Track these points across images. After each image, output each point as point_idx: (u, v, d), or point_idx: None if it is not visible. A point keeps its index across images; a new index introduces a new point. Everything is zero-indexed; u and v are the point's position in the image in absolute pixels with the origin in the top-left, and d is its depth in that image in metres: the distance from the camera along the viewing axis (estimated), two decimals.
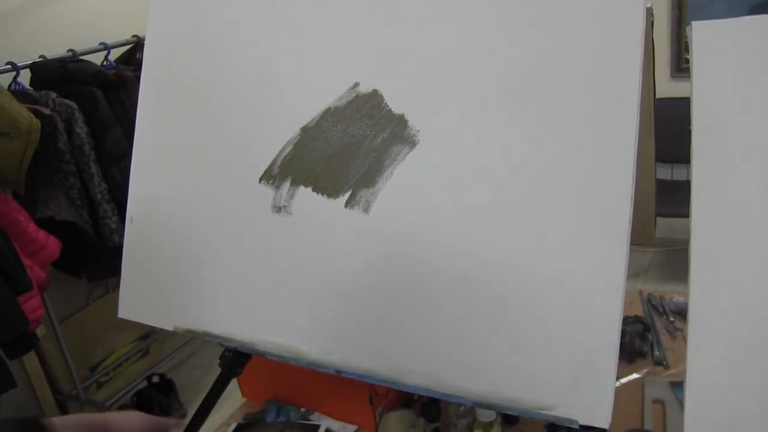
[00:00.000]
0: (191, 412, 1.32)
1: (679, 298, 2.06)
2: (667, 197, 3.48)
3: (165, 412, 3.12)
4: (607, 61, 0.96)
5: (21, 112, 2.39)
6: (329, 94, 1.18)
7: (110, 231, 2.79)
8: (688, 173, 3.09)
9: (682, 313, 2.00)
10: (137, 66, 2.66)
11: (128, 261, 1.41)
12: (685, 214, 3.08)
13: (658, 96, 3.17)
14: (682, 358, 1.72)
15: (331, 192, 1.17)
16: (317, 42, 1.20)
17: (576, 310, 0.99)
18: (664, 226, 3.84)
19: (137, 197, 1.39)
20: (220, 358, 1.31)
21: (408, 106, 1.12)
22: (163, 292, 1.36)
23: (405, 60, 1.13)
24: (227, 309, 1.28)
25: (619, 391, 0.96)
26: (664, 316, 2.02)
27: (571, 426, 0.98)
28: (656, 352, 1.83)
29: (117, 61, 3.10)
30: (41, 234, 2.55)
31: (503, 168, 1.04)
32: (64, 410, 3.13)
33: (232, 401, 1.88)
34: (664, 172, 4.15)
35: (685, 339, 1.82)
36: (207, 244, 1.30)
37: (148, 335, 3.50)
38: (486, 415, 1.45)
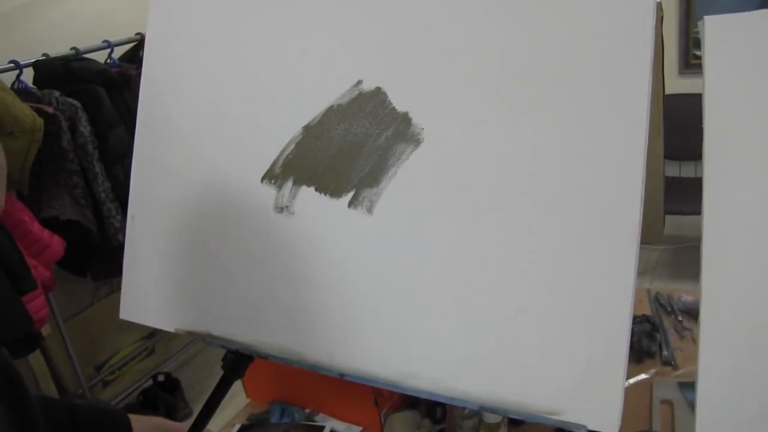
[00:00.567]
0: (197, 411, 1.31)
1: (687, 297, 2.05)
2: (675, 195, 3.47)
3: (170, 411, 3.13)
4: (616, 57, 0.94)
5: (24, 111, 2.40)
6: (332, 92, 1.16)
7: (114, 230, 2.79)
8: (696, 170, 3.11)
9: (690, 312, 1.99)
10: (141, 64, 2.67)
11: (129, 261, 1.40)
12: (694, 211, 3.10)
13: (666, 92, 3.15)
14: (690, 358, 1.74)
15: (334, 192, 1.15)
16: (319, 39, 1.18)
17: (584, 312, 0.97)
18: (672, 223, 3.83)
19: (138, 196, 1.38)
20: (223, 360, 1.29)
21: (412, 103, 1.10)
22: (164, 293, 1.35)
23: (409, 57, 1.10)
24: (229, 310, 1.26)
25: (627, 392, 0.94)
26: (673, 316, 2.00)
27: (578, 431, 0.96)
28: (665, 352, 1.82)
29: (121, 59, 3.10)
30: (45, 233, 2.55)
31: (510, 167, 1.02)
32: None
33: (236, 402, 1.88)
34: (672, 170, 4.14)
35: (694, 339, 1.84)
36: (208, 244, 1.28)
37: (154, 334, 3.50)
38: (492, 417, 1.44)
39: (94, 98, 2.76)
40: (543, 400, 0.99)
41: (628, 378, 1.66)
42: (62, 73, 2.77)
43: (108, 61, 3.03)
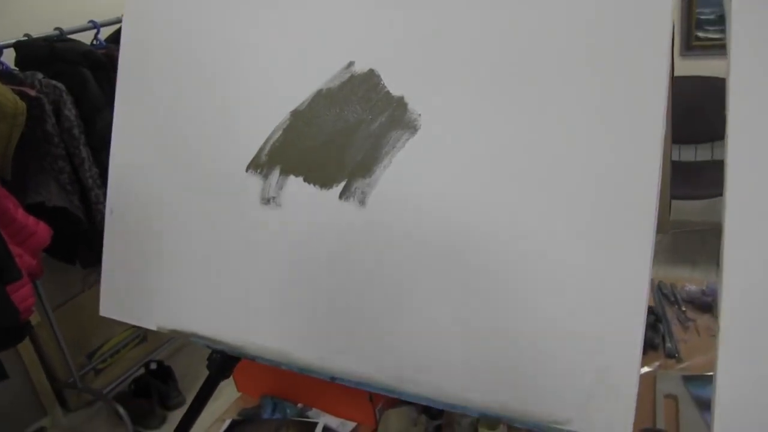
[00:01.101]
0: (190, 399, 1.28)
1: (691, 287, 2.00)
2: (674, 179, 3.41)
3: (163, 400, 3.10)
4: (632, 38, 0.87)
5: (5, 94, 2.34)
6: (321, 74, 1.09)
7: (102, 216, 2.69)
8: (696, 154, 3.03)
9: (694, 302, 1.94)
10: None
11: (109, 256, 1.34)
12: (693, 195, 3.06)
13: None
14: (695, 350, 1.70)
15: (324, 182, 1.08)
16: (308, 18, 1.11)
17: (594, 316, 0.90)
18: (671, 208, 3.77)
19: (117, 189, 1.32)
20: (208, 359, 1.24)
21: (408, 87, 1.03)
22: (146, 290, 1.30)
23: (404, 36, 1.04)
24: (214, 309, 1.21)
25: None
26: (676, 306, 1.95)
27: None
28: (668, 344, 1.77)
29: (107, 40, 3.01)
30: (30, 220, 2.49)
31: (514, 156, 0.95)
32: (61, 398, 3.10)
33: (227, 395, 1.82)
34: (672, 154, 4.07)
35: (698, 330, 1.79)
36: (192, 238, 1.22)
37: None
38: None
39: (80, 80, 2.69)
40: (548, 409, 0.93)
41: None
42: (46, 55, 2.69)
43: (94, 42, 2.94)
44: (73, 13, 2.95)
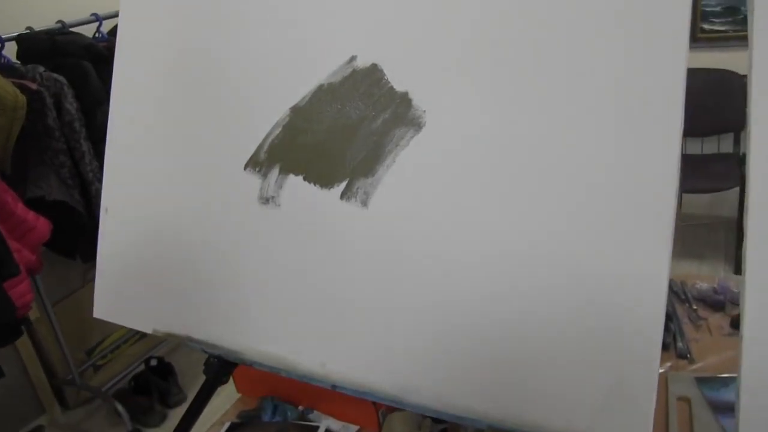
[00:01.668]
0: (191, 397, 1.26)
1: (702, 285, 1.96)
2: (681, 172, 3.38)
3: (163, 397, 3.08)
4: (648, 28, 0.82)
5: (6, 87, 2.35)
6: (322, 68, 1.05)
7: None
8: (703, 148, 3.00)
9: (706, 300, 1.91)
10: None
11: (103, 256, 1.30)
12: (701, 189, 3.04)
13: None
14: (707, 351, 1.66)
15: (325, 182, 1.04)
16: (308, 10, 1.07)
17: (609, 321, 0.86)
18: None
19: (112, 187, 1.28)
20: (205, 364, 1.20)
21: (412, 82, 0.99)
22: (141, 291, 1.26)
23: (409, 29, 0.99)
24: (211, 312, 1.17)
25: None
26: (687, 304, 1.92)
27: None
28: (679, 344, 1.74)
29: (110, 33, 2.99)
30: (30, 215, 2.48)
31: (524, 154, 0.90)
32: (60, 395, 3.08)
33: (226, 396, 1.79)
34: None
35: (709, 329, 1.75)
36: (188, 238, 1.19)
37: None
38: None
39: (81, 74, 2.68)
40: (561, 421, 0.89)
41: None
42: (47, 48, 2.68)
43: (96, 35, 2.92)
44: (75, 6, 2.93)
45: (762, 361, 0.82)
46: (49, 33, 2.69)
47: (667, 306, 1.78)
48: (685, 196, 3.71)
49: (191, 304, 1.19)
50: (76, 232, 2.81)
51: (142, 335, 3.45)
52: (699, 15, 3.81)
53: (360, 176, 1.01)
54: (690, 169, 3.67)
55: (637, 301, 0.85)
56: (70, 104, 2.61)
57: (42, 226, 2.51)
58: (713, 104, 3.50)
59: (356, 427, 1.61)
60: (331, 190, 1.03)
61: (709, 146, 3.82)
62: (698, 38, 3.85)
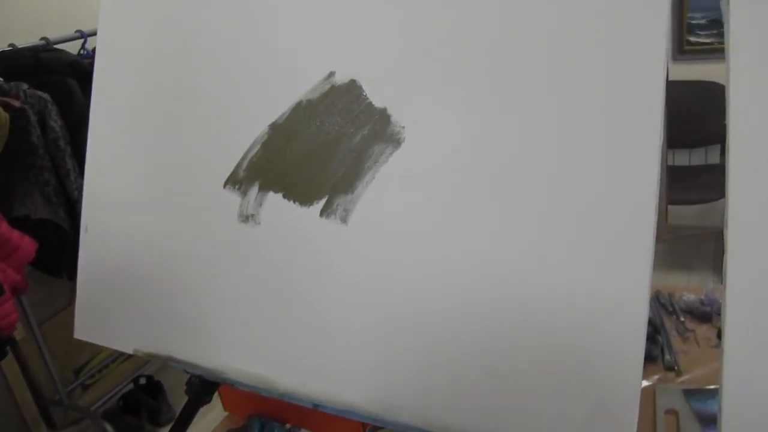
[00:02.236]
0: None
1: (689, 296, 1.95)
2: (669, 184, 3.39)
3: (153, 415, 3.04)
4: (626, 42, 0.82)
5: None
6: (301, 85, 1.04)
7: None
8: (690, 159, 3.01)
9: (693, 312, 1.90)
10: None
11: (84, 275, 1.29)
12: (689, 200, 3.05)
13: None
14: (695, 363, 1.66)
15: (304, 199, 1.03)
16: (286, 26, 1.06)
17: (592, 337, 0.86)
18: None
19: (92, 205, 1.27)
20: (187, 384, 1.18)
21: (391, 98, 0.98)
22: (122, 311, 1.25)
23: (387, 45, 0.99)
24: (191, 332, 1.16)
25: None
26: (674, 316, 1.91)
27: None
28: (667, 356, 1.73)
29: (94, 50, 2.96)
30: (15, 234, 2.44)
31: (504, 170, 0.90)
32: (47, 416, 3.03)
33: (213, 414, 1.77)
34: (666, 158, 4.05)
35: (697, 341, 1.74)
36: (167, 257, 1.17)
37: None
38: None
39: (65, 91, 2.66)
40: None
41: None
42: (31, 65, 2.66)
43: (81, 51, 2.90)
44: (60, 23, 2.90)
45: (743, 373, 0.83)
46: (32, 50, 2.67)
47: (655, 318, 1.79)
48: (674, 207, 3.71)
49: (172, 324, 1.18)
50: (61, 250, 2.78)
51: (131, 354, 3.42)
52: (685, 28, 3.83)
53: (340, 193, 1.00)
54: (678, 180, 3.68)
55: (618, 320, 0.84)
56: (55, 122, 2.59)
57: (27, 245, 2.48)
58: (700, 116, 3.51)
59: None
60: (311, 207, 1.03)
61: (696, 157, 3.83)
62: (684, 51, 3.87)
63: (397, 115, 0.97)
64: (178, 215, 1.16)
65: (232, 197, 1.09)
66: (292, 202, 1.04)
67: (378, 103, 0.98)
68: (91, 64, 2.64)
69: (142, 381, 3.17)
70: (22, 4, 2.96)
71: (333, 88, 1.01)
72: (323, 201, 1.02)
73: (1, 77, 2.64)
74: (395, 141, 0.96)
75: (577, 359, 0.87)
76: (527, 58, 0.89)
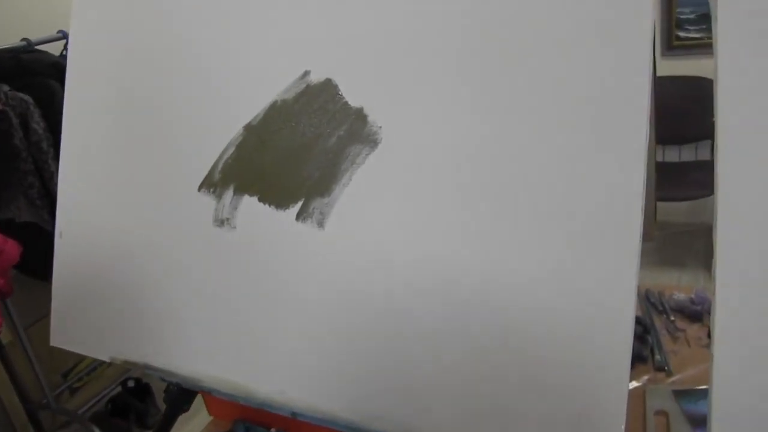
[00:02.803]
0: None
1: (679, 295, 1.93)
2: (659, 180, 3.37)
3: (141, 418, 3.02)
4: (612, 37, 0.80)
5: None
6: (275, 84, 1.02)
7: None
8: (680, 155, 2.98)
9: (683, 311, 1.88)
10: None
11: (59, 282, 1.27)
12: (680, 197, 3.03)
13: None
14: (685, 362, 1.64)
15: (280, 202, 1.01)
16: (259, 24, 1.04)
17: (576, 344, 0.83)
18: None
19: (65, 211, 1.25)
20: (165, 391, 1.16)
21: (367, 97, 0.96)
22: (97, 319, 1.23)
23: (363, 43, 0.96)
24: (167, 339, 1.14)
25: None
26: (664, 315, 1.88)
27: None
28: (657, 356, 1.70)
29: None
30: None
31: (484, 171, 0.87)
32: (35, 420, 3.01)
33: (198, 419, 1.75)
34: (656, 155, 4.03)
35: (687, 341, 1.72)
36: (142, 262, 1.15)
37: None
38: None
39: (47, 92, 2.64)
40: None
41: None
42: (12, 67, 2.64)
43: (64, 52, 2.86)
44: (41, 24, 2.87)
45: (733, 375, 0.81)
46: (13, 51, 2.64)
47: (645, 317, 1.77)
48: (664, 204, 3.70)
49: (148, 331, 1.16)
50: (46, 253, 2.75)
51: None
52: (674, 23, 3.81)
53: (316, 196, 0.98)
54: (669, 177, 3.66)
55: (603, 326, 0.82)
56: (37, 124, 2.56)
57: (11, 248, 2.46)
58: (690, 111, 3.50)
59: None
60: (287, 211, 1.00)
61: (686, 154, 3.82)
62: (673, 46, 3.85)
63: (373, 115, 0.95)
64: (152, 220, 1.14)
65: (208, 200, 1.07)
66: (267, 205, 1.02)
67: (354, 102, 0.96)
68: None
69: (131, 384, 3.15)
70: (2, 4, 2.92)
71: (308, 87, 0.99)
72: (299, 204, 0.99)
73: None
74: (372, 141, 0.94)
75: (560, 366, 0.84)
76: (508, 56, 0.86)
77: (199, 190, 1.07)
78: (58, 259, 1.27)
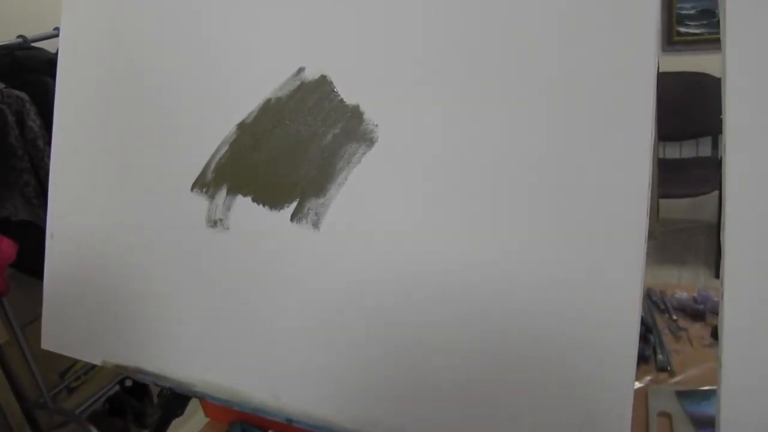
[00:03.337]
0: None
1: (682, 294, 1.92)
2: (660, 177, 3.36)
3: (139, 418, 3.00)
4: (615, 36, 0.78)
5: None
6: (269, 82, 0.99)
7: None
8: (681, 152, 2.97)
9: (685, 310, 1.86)
10: None
11: (50, 284, 1.25)
12: (681, 194, 3.01)
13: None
14: (688, 362, 1.61)
15: (274, 202, 0.99)
16: (253, 20, 1.01)
17: (580, 347, 0.81)
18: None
19: (56, 211, 1.23)
20: (158, 396, 1.13)
21: (363, 94, 0.93)
22: (89, 322, 1.21)
23: (358, 39, 0.94)
24: (160, 342, 1.12)
25: None
26: (667, 314, 1.87)
27: None
28: (659, 356, 1.68)
29: None
30: None
31: (483, 169, 0.85)
32: (31, 419, 3.00)
33: (195, 421, 1.73)
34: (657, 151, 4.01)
35: (690, 340, 1.70)
36: (134, 265, 1.13)
37: None
38: None
39: (43, 89, 2.63)
40: None
41: None
42: (7, 64, 2.64)
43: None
44: (37, 21, 2.85)
45: (742, 376, 0.79)
46: (8, 48, 2.63)
47: (647, 317, 1.75)
48: (665, 201, 3.68)
49: (139, 335, 1.14)
50: (43, 252, 2.75)
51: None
52: (675, 18, 3.79)
53: (311, 196, 0.96)
54: (670, 173, 3.64)
55: (609, 328, 0.80)
56: (33, 121, 2.55)
57: (7, 247, 2.45)
58: (691, 108, 3.48)
59: None
60: (281, 211, 0.98)
61: (687, 150, 3.80)
62: (674, 41, 3.83)
63: (370, 113, 0.92)
64: (144, 222, 1.12)
65: (200, 201, 1.05)
66: (261, 205, 1.00)
67: (350, 99, 0.94)
68: None
69: (128, 383, 3.14)
70: None
71: (303, 84, 0.96)
72: (294, 205, 0.97)
73: None
74: (368, 140, 0.92)
75: (564, 369, 0.82)
76: (509, 53, 0.84)
77: (191, 190, 1.05)
78: (50, 261, 1.26)
